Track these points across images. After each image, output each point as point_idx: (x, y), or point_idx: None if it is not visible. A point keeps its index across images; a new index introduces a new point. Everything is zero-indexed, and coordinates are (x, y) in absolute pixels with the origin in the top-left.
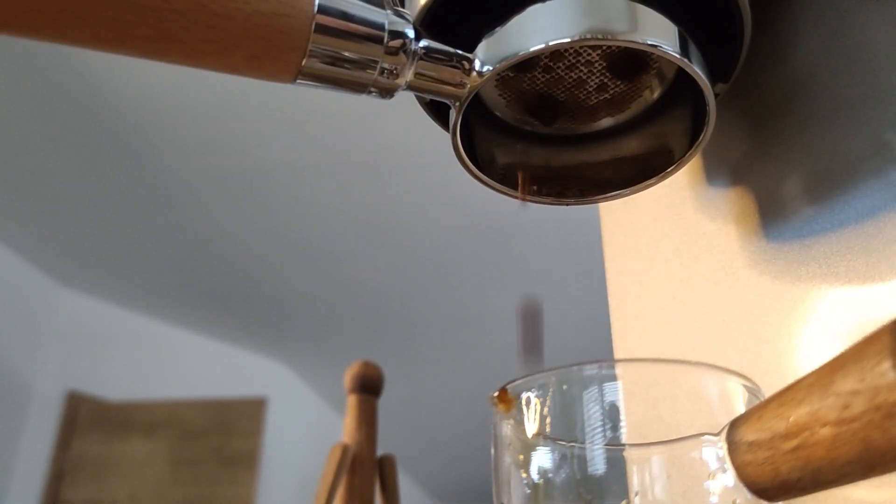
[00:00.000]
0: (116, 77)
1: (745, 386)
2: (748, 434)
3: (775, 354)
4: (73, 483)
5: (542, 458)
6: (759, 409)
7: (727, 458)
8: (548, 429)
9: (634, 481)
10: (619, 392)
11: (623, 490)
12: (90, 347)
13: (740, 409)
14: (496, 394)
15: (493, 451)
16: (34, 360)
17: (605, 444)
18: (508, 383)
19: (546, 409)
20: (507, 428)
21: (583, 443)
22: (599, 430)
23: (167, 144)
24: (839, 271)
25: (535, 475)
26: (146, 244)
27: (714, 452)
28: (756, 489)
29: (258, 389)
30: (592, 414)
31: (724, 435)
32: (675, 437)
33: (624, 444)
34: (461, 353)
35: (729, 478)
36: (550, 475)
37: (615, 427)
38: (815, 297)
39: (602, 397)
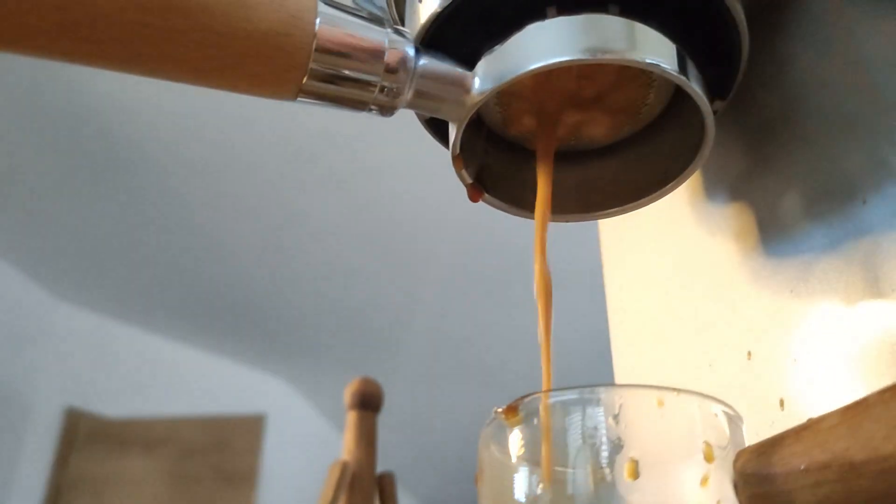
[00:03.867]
0: (115, 93)
1: (725, 413)
2: (763, 467)
3: (776, 371)
4: (72, 500)
5: (526, 483)
6: (773, 445)
7: (729, 488)
8: (532, 452)
9: (616, 503)
10: (601, 417)
11: None
12: (89, 363)
13: (722, 434)
14: (502, 409)
15: (478, 473)
16: (32, 376)
17: (590, 468)
18: (519, 399)
19: (529, 433)
20: (491, 450)
21: (567, 467)
22: (584, 454)
23: (167, 160)
24: (838, 287)
25: (519, 497)
26: (145, 260)
27: (697, 477)
28: None
29: (257, 406)
30: (575, 438)
31: (724, 465)
32: (657, 462)
33: (607, 468)
34: (461, 370)
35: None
36: (535, 499)
37: (598, 452)
38: (815, 313)
39: (584, 422)
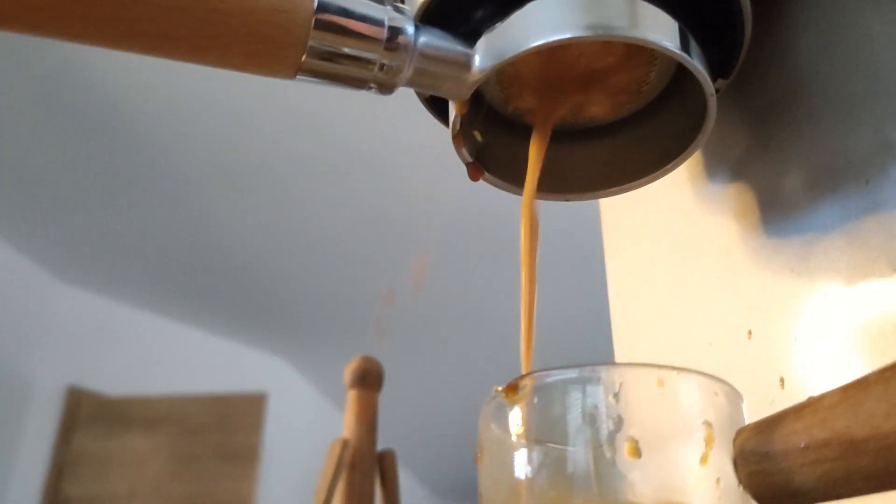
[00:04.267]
0: (116, 72)
1: (725, 391)
2: (763, 445)
3: (776, 350)
4: (74, 478)
5: (526, 459)
6: (773, 423)
7: (729, 466)
8: (531, 430)
9: (616, 481)
10: (601, 395)
11: (605, 491)
12: (90, 343)
13: (722, 413)
14: (502, 387)
15: (478, 452)
16: (34, 356)
17: (590, 447)
18: (519, 378)
19: (531, 411)
20: (491, 429)
21: (566, 445)
22: (583, 433)
23: (167, 140)
24: (840, 267)
25: (518, 475)
26: (145, 240)
27: (696, 456)
28: (762, 497)
29: (258, 385)
30: (574, 417)
31: (724, 443)
32: (657, 441)
33: (606, 447)
34: (461, 349)
35: (711, 481)
36: (533, 476)
37: (597, 430)
38: (816, 292)
39: (584, 400)
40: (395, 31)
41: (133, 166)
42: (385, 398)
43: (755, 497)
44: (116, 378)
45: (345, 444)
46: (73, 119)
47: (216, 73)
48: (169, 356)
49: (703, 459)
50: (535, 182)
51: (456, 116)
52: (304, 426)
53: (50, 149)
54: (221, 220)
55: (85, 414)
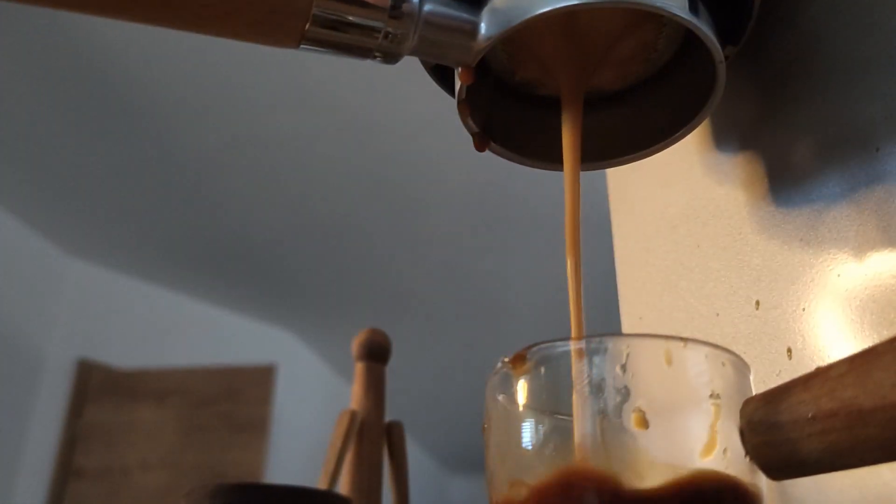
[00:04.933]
0: (123, 45)
1: (733, 362)
2: (770, 415)
3: (784, 320)
4: (86, 450)
5: (533, 431)
6: (780, 394)
7: (736, 436)
8: (538, 401)
9: (621, 451)
10: (608, 366)
11: (612, 462)
12: (100, 316)
13: (730, 383)
14: (509, 358)
15: (485, 422)
16: (45, 330)
17: (597, 418)
18: (526, 349)
19: (536, 382)
20: (498, 399)
21: (572, 415)
22: (590, 403)
23: (174, 112)
24: (849, 236)
25: (525, 446)
26: (154, 213)
27: (704, 426)
28: (768, 468)
29: (267, 358)
30: (581, 387)
31: (731, 414)
32: (664, 411)
33: (613, 417)
34: (469, 321)
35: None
36: (540, 447)
37: (604, 401)
38: (825, 262)
39: (591, 371)
40: None
41: (141, 139)
42: (393, 370)
43: (762, 467)
44: (126, 351)
45: (353, 415)
46: (81, 93)
47: (223, 44)
48: (178, 329)
49: (711, 430)
50: (578, 161)
51: (461, 85)
52: (313, 398)
53: (61, 124)
54: (230, 192)
55: (95, 387)
